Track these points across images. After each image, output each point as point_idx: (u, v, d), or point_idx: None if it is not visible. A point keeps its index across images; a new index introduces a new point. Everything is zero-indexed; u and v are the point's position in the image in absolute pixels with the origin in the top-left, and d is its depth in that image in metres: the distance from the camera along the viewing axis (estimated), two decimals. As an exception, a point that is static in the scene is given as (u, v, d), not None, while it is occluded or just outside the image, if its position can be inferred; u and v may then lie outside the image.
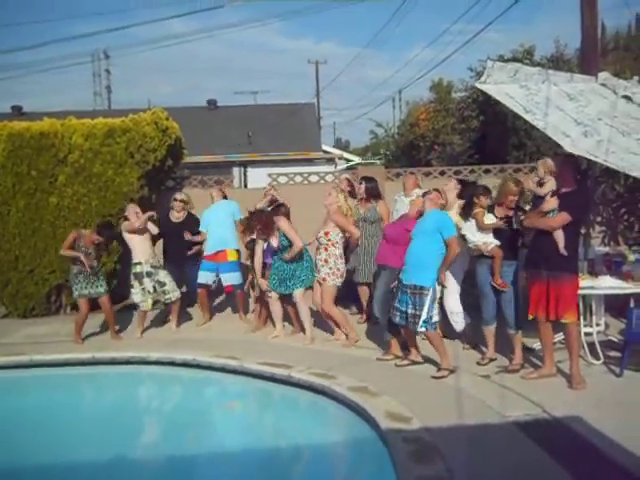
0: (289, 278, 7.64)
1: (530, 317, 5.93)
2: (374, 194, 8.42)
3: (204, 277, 8.90)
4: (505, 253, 6.30)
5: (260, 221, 7.76)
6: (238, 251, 9.09)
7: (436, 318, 6.29)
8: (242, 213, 8.83)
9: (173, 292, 8.48)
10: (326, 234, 7.39)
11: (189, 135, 12.04)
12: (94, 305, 8.38)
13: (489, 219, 6.47)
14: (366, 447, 5.25)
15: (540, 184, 6.00)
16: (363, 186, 8.38)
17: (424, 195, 6.67)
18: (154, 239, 8.85)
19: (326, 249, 7.37)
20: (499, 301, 6.38)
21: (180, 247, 9.10)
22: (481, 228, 6.47)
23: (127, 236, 8.36)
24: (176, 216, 9.29)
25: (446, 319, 6.96)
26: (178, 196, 9.38)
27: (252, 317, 8.89)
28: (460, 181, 7.68)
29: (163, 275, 8.42)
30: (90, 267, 8.03)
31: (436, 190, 6.77)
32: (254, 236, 8.00)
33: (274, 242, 7.70)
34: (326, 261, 7.34)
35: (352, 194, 8.59)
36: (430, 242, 6.23)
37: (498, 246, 6.35)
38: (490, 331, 6.54)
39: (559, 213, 5.70)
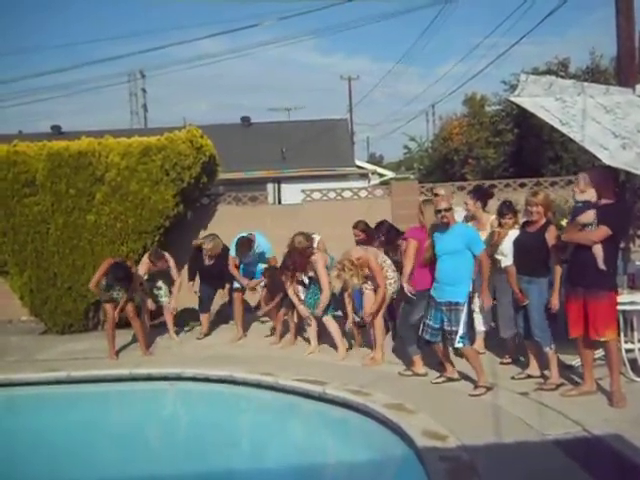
0: (316, 305, 7.83)
1: (571, 337, 5.81)
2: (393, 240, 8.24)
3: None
4: (536, 269, 6.20)
5: (294, 262, 7.85)
6: None
7: (482, 328, 6.20)
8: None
9: (165, 297, 9.15)
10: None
11: (223, 152, 12.15)
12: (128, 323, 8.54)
13: (510, 237, 6.52)
14: (402, 465, 5.20)
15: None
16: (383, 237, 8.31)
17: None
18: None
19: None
20: (527, 315, 6.27)
21: (213, 283, 9.52)
22: (495, 245, 6.68)
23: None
24: (208, 262, 9.39)
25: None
26: (206, 246, 9.23)
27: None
28: (475, 194, 7.58)
29: (160, 283, 9.14)
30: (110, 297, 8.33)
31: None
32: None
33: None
34: (385, 277, 7.36)
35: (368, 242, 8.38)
36: (460, 259, 6.17)
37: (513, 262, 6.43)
38: (551, 354, 6.21)
39: (599, 227, 5.58)
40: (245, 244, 8.72)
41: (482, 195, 7.51)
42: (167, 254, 9.12)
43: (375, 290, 7.32)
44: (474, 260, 6.25)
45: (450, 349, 6.53)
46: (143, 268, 8.90)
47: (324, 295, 7.65)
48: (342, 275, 7.25)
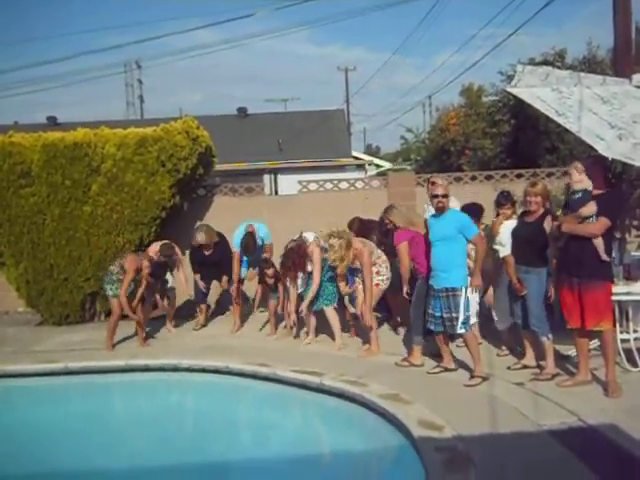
0: (317, 297, 7.83)
1: (569, 327, 5.82)
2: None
3: (241, 272, 9.15)
4: (534, 259, 6.21)
5: (293, 261, 7.84)
6: None
7: (473, 319, 6.19)
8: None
9: (171, 283, 9.17)
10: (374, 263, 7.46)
11: (220, 143, 12.13)
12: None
13: (508, 227, 6.50)
14: (398, 455, 5.21)
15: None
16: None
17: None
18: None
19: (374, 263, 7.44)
20: (525, 306, 6.29)
21: (211, 274, 9.43)
22: (493, 236, 6.64)
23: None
24: (207, 252, 9.35)
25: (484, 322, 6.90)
26: (199, 239, 9.13)
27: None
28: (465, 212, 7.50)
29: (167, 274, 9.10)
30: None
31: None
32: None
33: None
34: (378, 273, 7.41)
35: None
36: (454, 245, 6.18)
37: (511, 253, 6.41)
38: (548, 344, 6.23)
39: (599, 219, 5.57)
40: (250, 243, 8.67)
41: (472, 213, 7.39)
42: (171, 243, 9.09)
43: (363, 284, 7.32)
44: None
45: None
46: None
47: (314, 285, 7.66)
48: (331, 239, 7.29)
